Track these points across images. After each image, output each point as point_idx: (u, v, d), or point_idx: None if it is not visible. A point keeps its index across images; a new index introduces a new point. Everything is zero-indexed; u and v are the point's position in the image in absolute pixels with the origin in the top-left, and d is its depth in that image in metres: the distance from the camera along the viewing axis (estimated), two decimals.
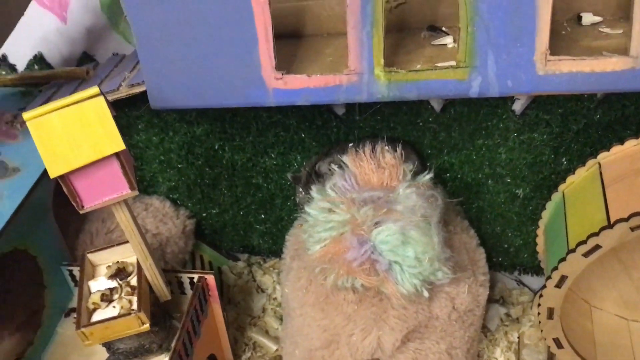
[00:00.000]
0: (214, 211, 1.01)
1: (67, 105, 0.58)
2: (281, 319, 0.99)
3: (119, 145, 0.59)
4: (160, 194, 1.00)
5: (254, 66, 0.66)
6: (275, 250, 1.05)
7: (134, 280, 0.74)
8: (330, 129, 0.89)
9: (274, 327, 0.99)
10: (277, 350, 0.95)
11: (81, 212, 0.62)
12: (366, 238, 0.70)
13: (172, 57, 0.67)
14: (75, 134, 0.58)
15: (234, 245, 1.06)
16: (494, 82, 0.62)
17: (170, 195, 1.00)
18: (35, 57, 0.91)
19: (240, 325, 0.99)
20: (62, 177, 0.59)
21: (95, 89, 0.59)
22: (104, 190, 0.62)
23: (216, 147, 0.92)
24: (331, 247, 0.72)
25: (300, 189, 0.84)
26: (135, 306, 0.70)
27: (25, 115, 0.58)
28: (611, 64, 0.60)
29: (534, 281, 1.01)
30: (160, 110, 0.89)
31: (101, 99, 0.59)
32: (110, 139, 0.59)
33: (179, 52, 0.67)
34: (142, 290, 0.71)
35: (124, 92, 0.76)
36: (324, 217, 0.72)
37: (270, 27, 0.64)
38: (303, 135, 0.89)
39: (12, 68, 0.93)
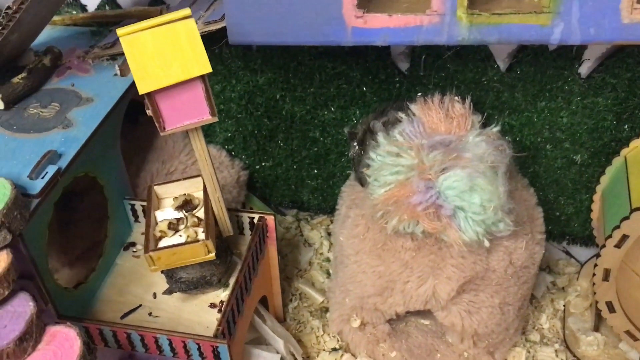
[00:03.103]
0: (267, 164, 1.02)
1: (160, 25, 0.60)
2: (327, 273, 1.00)
3: (207, 67, 0.60)
4: (216, 145, 1.01)
5: (334, 3, 0.67)
6: (324, 208, 1.06)
7: (200, 213, 0.75)
8: (393, 84, 0.89)
9: (319, 280, 1.00)
10: (322, 301, 0.96)
11: (162, 134, 0.64)
12: (433, 183, 0.71)
13: None
14: (165, 53, 0.60)
15: (283, 200, 1.07)
16: (576, 29, 0.63)
17: (226, 146, 1.01)
18: None
19: (287, 276, 1.00)
20: (149, 95, 0.61)
21: (187, 11, 0.60)
22: (186, 114, 0.64)
23: (277, 97, 0.93)
24: (396, 191, 0.72)
25: (355, 144, 0.84)
26: (201, 236, 0.72)
27: (119, 32, 0.59)
28: None
29: (581, 253, 1.01)
30: (226, 57, 0.91)
31: (192, 20, 0.61)
32: (198, 61, 0.60)
33: None
34: (208, 220, 0.73)
35: (199, 29, 0.77)
36: (391, 161, 0.73)
37: None
38: (365, 89, 0.90)
39: (83, 8, 0.95)
